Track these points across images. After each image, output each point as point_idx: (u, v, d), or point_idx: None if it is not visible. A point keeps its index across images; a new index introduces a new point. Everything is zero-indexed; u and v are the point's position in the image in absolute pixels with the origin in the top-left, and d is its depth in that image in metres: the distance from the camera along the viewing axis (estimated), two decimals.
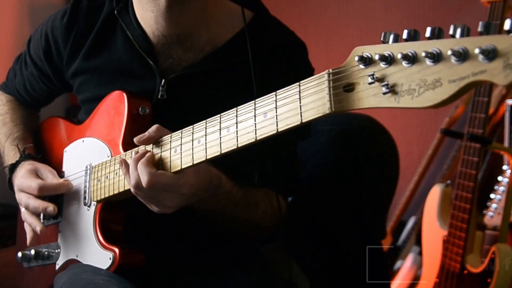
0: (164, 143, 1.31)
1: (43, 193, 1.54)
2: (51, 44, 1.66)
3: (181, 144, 1.26)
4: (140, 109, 1.48)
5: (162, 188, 1.27)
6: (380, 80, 0.93)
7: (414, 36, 0.92)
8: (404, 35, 0.92)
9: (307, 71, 1.59)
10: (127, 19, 1.55)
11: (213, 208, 1.43)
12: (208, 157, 1.22)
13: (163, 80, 1.50)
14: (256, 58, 1.48)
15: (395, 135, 1.99)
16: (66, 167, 1.65)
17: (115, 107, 1.51)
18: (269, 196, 1.54)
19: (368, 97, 0.95)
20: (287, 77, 1.51)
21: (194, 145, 1.24)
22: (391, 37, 0.94)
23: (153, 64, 1.51)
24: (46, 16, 1.73)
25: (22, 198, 1.56)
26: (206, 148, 1.22)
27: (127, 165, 1.32)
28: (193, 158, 1.24)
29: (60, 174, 1.64)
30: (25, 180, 1.56)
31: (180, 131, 1.29)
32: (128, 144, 1.44)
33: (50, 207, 1.52)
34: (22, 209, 1.58)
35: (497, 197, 2.28)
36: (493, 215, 2.26)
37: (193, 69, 1.50)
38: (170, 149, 1.29)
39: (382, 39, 0.95)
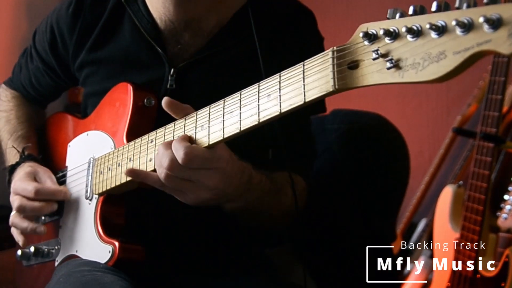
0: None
1: (39, 197, 1.54)
2: (56, 36, 1.67)
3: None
4: (145, 100, 1.49)
5: (199, 163, 1.21)
6: (384, 55, 0.94)
7: (420, 11, 0.93)
8: (410, 11, 0.94)
9: (316, 40, 1.61)
10: (135, 6, 1.56)
11: (249, 204, 1.38)
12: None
13: (172, 69, 1.51)
14: (263, 31, 1.48)
15: (405, 134, 1.99)
16: (69, 162, 1.67)
17: (120, 98, 1.53)
18: (289, 181, 1.48)
19: (372, 73, 0.96)
20: (296, 47, 1.53)
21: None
22: (398, 14, 0.95)
23: (161, 52, 1.52)
24: (44, 12, 1.74)
25: (15, 200, 1.57)
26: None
27: (138, 171, 1.32)
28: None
29: (64, 168, 1.66)
30: (21, 183, 1.56)
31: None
32: (132, 136, 1.45)
33: (55, 207, 1.55)
34: (13, 212, 1.59)
35: (511, 198, 2.28)
36: (507, 217, 2.25)
37: (201, 54, 1.51)
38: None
39: (388, 16, 0.96)
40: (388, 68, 0.93)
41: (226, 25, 1.52)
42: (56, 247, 1.62)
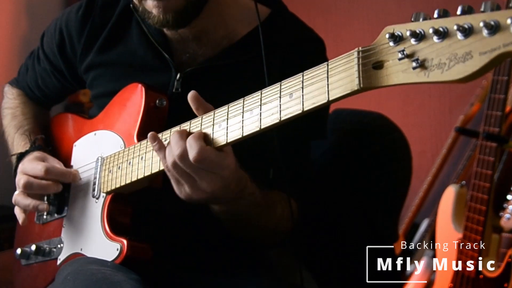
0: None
1: (49, 176, 1.56)
2: (65, 38, 1.70)
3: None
4: (157, 101, 1.51)
5: (208, 165, 1.25)
6: (410, 56, 0.97)
7: (444, 15, 0.96)
8: (435, 15, 0.97)
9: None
10: None
11: (236, 211, 1.43)
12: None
13: (178, 74, 1.54)
14: (273, 54, 1.51)
15: (407, 133, 1.99)
16: (74, 161, 1.69)
17: (131, 98, 1.55)
18: (285, 200, 1.54)
19: (397, 73, 0.99)
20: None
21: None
22: (421, 16, 0.99)
23: (168, 58, 1.56)
24: (43, 12, 1.77)
25: (21, 179, 1.58)
26: (227, 133, 1.26)
27: (160, 142, 1.32)
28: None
29: (69, 168, 1.67)
30: (30, 163, 1.59)
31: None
32: (142, 136, 1.46)
33: (60, 187, 1.57)
34: (17, 191, 1.60)
35: None
36: (510, 217, 2.26)
37: (209, 63, 1.54)
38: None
39: (413, 19, 1.00)
40: (414, 68, 0.96)
41: (236, 43, 1.56)
42: (58, 246, 1.63)
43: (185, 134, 1.28)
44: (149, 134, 1.34)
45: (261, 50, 1.48)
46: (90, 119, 1.72)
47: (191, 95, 1.32)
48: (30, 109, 1.90)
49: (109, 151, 1.55)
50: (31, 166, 1.58)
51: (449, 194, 2.45)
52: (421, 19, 0.99)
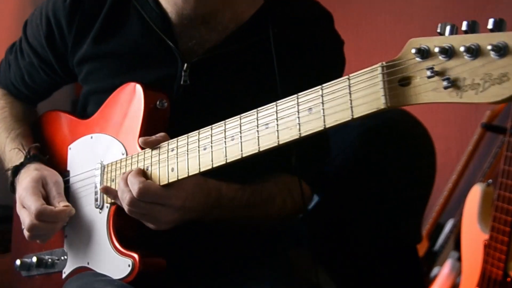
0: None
1: (41, 219, 1.48)
2: (53, 28, 1.62)
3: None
4: (158, 102, 1.47)
5: (153, 198, 1.32)
6: (440, 74, 0.95)
7: (473, 27, 0.94)
8: (464, 27, 0.94)
9: (335, 43, 1.63)
10: None
11: (220, 217, 1.46)
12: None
13: (185, 64, 1.50)
14: (281, 33, 1.50)
15: (431, 130, 1.98)
16: (71, 166, 1.64)
17: (128, 100, 1.50)
18: (289, 187, 1.55)
19: (427, 92, 0.97)
20: (314, 50, 1.56)
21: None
22: (447, 28, 0.96)
23: (173, 47, 1.51)
24: None
25: (23, 216, 1.52)
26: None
27: (113, 190, 1.39)
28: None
29: (65, 173, 1.63)
30: (26, 196, 1.51)
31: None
32: None
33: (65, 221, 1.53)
34: (30, 223, 1.52)
35: None
36: None
37: (217, 50, 1.51)
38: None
39: (438, 30, 0.97)
40: (445, 88, 0.94)
41: (244, 24, 1.52)
42: (62, 258, 1.60)
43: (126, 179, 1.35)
44: (101, 188, 1.45)
45: (268, 31, 1.48)
46: (83, 119, 1.66)
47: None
48: (19, 110, 1.82)
49: (109, 158, 1.51)
50: (27, 202, 1.49)
51: (475, 193, 2.43)
52: (447, 32, 0.96)
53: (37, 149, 1.69)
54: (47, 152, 1.70)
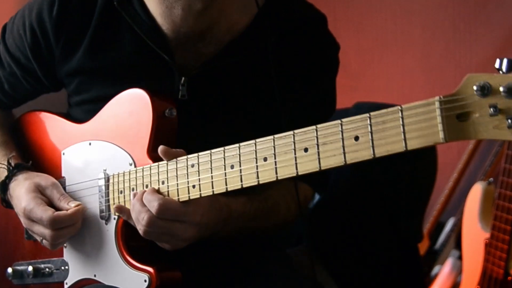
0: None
1: (57, 227, 1.45)
2: (39, 39, 1.57)
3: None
4: (167, 111, 1.43)
5: (173, 215, 1.30)
6: (504, 112, 0.95)
7: None
8: None
9: (330, 47, 1.62)
10: (131, 11, 1.50)
11: (230, 233, 1.46)
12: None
13: (182, 78, 1.48)
14: (277, 41, 1.50)
15: None
16: (66, 172, 1.59)
17: (134, 108, 1.46)
18: (292, 191, 1.54)
19: (488, 129, 0.97)
20: (311, 54, 1.56)
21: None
22: (505, 64, 0.97)
23: (170, 60, 1.48)
24: None
25: (38, 230, 1.48)
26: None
27: (126, 210, 1.37)
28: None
29: (60, 179, 1.58)
30: (32, 208, 1.46)
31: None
32: (154, 152, 1.39)
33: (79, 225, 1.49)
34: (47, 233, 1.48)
35: None
36: None
37: (214, 63, 1.49)
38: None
39: (497, 66, 0.97)
40: (509, 127, 0.94)
41: (240, 36, 1.50)
42: (62, 268, 1.56)
43: (141, 199, 1.33)
44: (115, 208, 1.40)
45: (263, 40, 1.47)
46: (76, 122, 1.60)
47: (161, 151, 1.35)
48: None
49: (114, 168, 1.47)
50: (36, 215, 1.45)
51: (476, 192, 2.44)
52: (504, 67, 0.96)
53: (17, 157, 1.62)
54: (33, 156, 1.65)
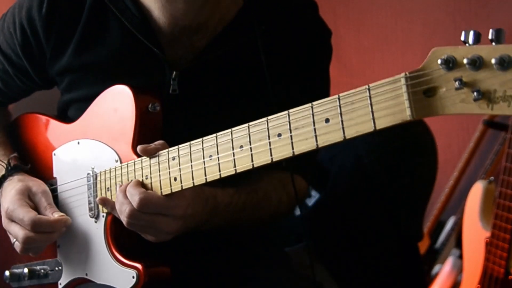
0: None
1: (36, 230, 1.44)
2: (29, 38, 1.56)
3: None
4: (150, 106, 1.43)
5: (155, 209, 1.29)
6: (469, 85, 0.93)
7: (498, 36, 0.92)
8: (490, 35, 0.92)
9: (322, 32, 1.61)
10: (120, 4, 1.49)
11: (218, 225, 1.45)
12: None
13: (174, 73, 1.47)
14: (267, 29, 1.49)
15: (432, 126, 1.99)
16: (58, 173, 1.60)
17: (117, 104, 1.47)
18: (284, 182, 1.55)
19: (455, 104, 0.95)
20: (301, 41, 1.55)
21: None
22: (471, 36, 0.95)
23: (160, 54, 1.47)
24: None
25: (14, 230, 1.48)
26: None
27: (110, 202, 1.37)
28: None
29: (52, 180, 1.60)
30: (15, 209, 1.47)
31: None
32: None
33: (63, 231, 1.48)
34: (24, 235, 1.48)
35: None
36: None
37: (204, 55, 1.48)
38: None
39: (462, 39, 0.95)
40: (475, 100, 0.92)
41: (229, 25, 1.50)
42: (56, 268, 1.57)
43: (125, 191, 1.32)
44: (98, 200, 1.40)
45: (254, 29, 1.46)
46: (66, 122, 1.61)
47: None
48: None
49: (101, 165, 1.47)
50: (17, 215, 1.46)
51: (477, 191, 2.44)
52: (470, 39, 0.94)
53: (16, 158, 1.63)
54: (28, 158, 1.66)
